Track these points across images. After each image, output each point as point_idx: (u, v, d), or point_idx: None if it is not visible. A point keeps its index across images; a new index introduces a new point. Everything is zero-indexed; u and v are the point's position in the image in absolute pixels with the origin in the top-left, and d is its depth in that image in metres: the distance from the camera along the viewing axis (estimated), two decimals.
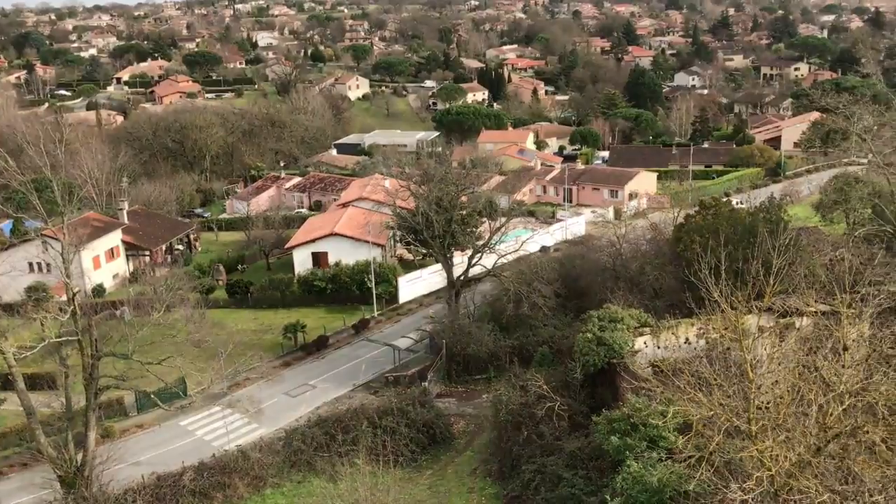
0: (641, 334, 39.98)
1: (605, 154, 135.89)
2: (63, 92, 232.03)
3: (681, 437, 26.90)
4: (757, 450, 22.75)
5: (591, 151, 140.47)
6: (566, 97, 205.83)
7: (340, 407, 49.36)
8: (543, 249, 76.19)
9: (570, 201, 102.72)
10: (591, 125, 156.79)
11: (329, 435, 44.34)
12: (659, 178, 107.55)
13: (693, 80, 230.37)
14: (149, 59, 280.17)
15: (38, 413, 40.03)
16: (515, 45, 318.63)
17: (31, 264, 70.61)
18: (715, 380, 24.69)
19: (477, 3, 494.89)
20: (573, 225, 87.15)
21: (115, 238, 78.18)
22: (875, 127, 57.78)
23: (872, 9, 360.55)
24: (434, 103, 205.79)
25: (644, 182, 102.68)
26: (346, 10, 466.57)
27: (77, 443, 40.02)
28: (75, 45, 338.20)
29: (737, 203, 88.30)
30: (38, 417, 40.10)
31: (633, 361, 37.92)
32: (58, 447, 39.35)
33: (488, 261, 59.37)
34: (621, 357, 38.39)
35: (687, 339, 38.71)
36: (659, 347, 39.07)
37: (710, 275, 26.11)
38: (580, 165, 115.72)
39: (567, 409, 39.39)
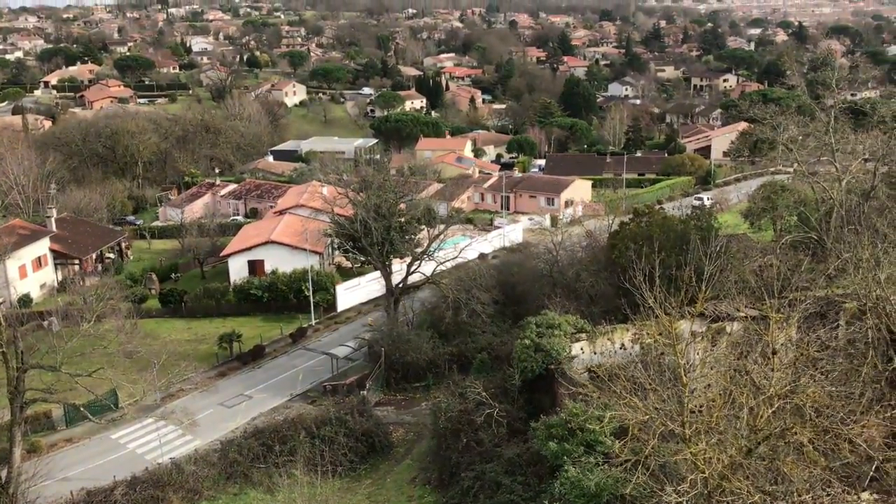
0: (578, 340, 40.47)
1: (542, 162, 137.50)
2: None
3: (617, 441, 27.28)
4: (691, 452, 23.20)
5: (527, 160, 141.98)
6: (503, 106, 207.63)
7: (277, 417, 48.76)
8: (482, 256, 76.64)
9: (508, 209, 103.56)
10: (527, 134, 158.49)
11: (266, 446, 43.77)
12: (594, 186, 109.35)
13: (626, 90, 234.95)
14: (78, 63, 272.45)
15: None
16: (453, 54, 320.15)
17: None
18: (650, 384, 25.11)
19: (414, 11, 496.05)
20: (511, 232, 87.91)
21: (42, 246, 75.78)
22: (800, 137, 59.65)
23: (796, 23, 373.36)
24: (372, 110, 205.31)
25: (579, 190, 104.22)
26: (282, 16, 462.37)
27: (1, 459, 38.61)
28: (0, 47, 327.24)
29: (707, 200, 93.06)
30: None
31: (570, 367, 38.36)
32: None
33: (427, 268, 59.42)
34: (558, 363, 38.79)
35: (622, 344, 39.28)
36: (595, 353, 39.57)
37: (645, 281, 26.58)
38: (517, 173, 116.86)
39: (506, 416, 39.59)
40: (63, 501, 39.16)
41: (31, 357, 38.78)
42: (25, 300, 70.06)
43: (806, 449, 23.78)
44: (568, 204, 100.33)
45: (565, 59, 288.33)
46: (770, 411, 23.36)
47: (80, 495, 39.54)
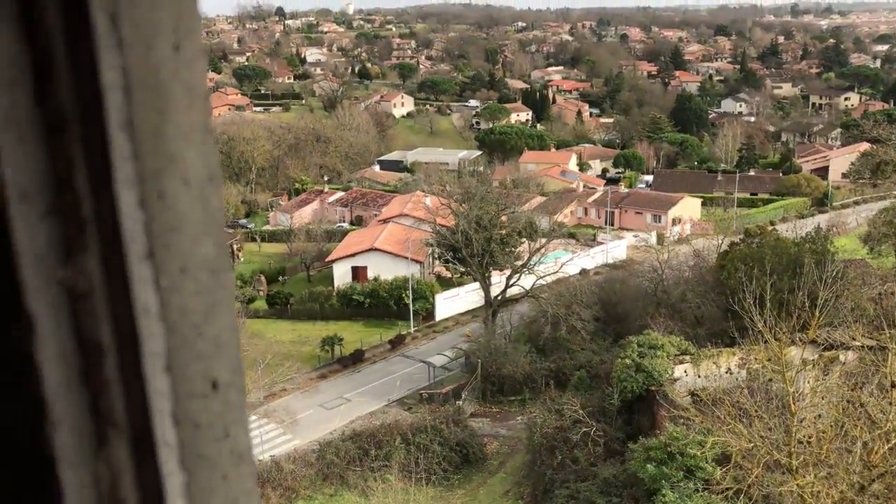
0: (681, 362, 39.49)
1: (649, 178, 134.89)
2: None
3: (719, 468, 26.48)
4: (797, 485, 22.27)
5: (634, 175, 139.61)
6: (611, 120, 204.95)
7: (374, 422, 49.43)
8: (583, 272, 75.74)
9: (612, 225, 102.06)
10: (635, 149, 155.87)
11: (362, 449, 44.42)
12: (703, 204, 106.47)
13: (740, 106, 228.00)
14: None
15: None
16: (561, 67, 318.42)
17: None
18: (756, 411, 24.29)
19: (524, 24, 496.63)
20: (614, 249, 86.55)
21: None
22: None
23: None
24: (477, 123, 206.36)
25: (688, 208, 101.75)
26: (394, 29, 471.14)
27: None
28: None
29: None
30: None
31: (671, 389, 37.45)
32: None
33: (527, 281, 59.17)
34: (660, 384, 37.93)
35: (728, 368, 38.06)
36: (699, 376, 38.50)
37: (755, 304, 25.77)
38: (623, 189, 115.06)
39: (603, 435, 38.99)
40: None
41: None
42: None
43: None
44: (675, 222, 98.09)
45: (677, 73, 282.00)
46: (887, 447, 22.20)
47: None
